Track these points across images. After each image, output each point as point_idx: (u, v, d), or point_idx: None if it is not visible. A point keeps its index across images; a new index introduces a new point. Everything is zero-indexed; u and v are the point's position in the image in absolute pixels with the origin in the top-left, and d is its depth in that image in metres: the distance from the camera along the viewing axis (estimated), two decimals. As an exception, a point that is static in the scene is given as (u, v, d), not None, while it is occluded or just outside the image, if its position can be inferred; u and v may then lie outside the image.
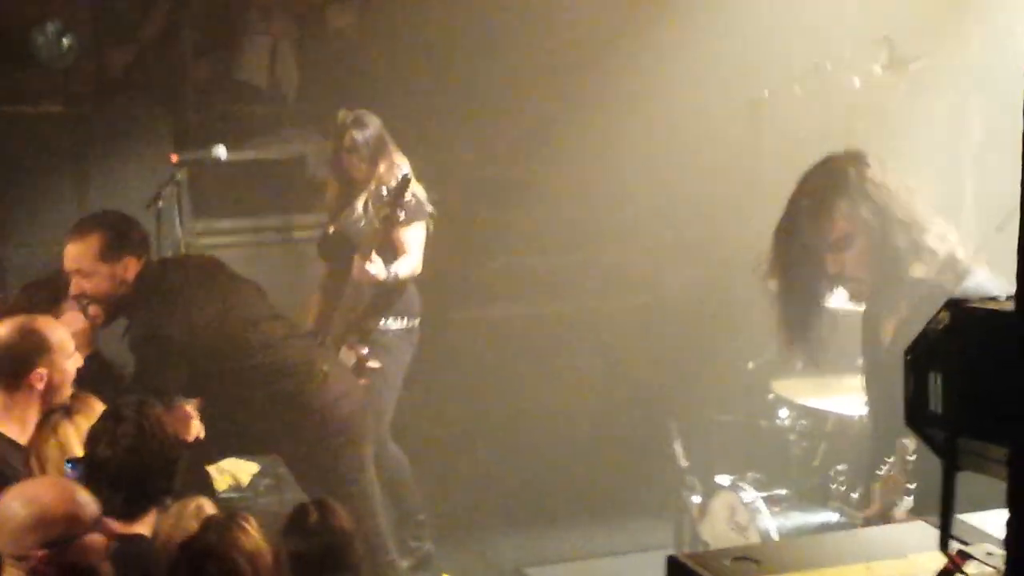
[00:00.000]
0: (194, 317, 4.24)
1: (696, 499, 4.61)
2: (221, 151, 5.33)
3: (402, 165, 5.19)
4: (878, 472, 3.17)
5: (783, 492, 4.43)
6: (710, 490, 4.57)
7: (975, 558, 1.77)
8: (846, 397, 4.24)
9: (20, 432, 3.55)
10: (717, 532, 4.48)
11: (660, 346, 6.61)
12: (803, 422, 4.60)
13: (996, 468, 1.67)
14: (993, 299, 1.78)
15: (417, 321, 5.31)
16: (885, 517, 2.99)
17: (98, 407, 3.60)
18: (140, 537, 3.21)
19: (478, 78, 7.12)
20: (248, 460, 5.34)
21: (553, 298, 7.06)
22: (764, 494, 4.38)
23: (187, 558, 2.92)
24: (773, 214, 3.43)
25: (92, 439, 3.32)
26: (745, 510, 4.33)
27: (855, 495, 3.63)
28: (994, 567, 1.76)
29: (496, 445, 6.23)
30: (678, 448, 4.67)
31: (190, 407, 4.20)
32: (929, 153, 4.71)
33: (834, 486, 4.22)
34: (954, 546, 1.81)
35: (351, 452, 4.52)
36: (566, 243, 7.17)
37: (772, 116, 5.22)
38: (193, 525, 3.12)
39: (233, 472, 5.30)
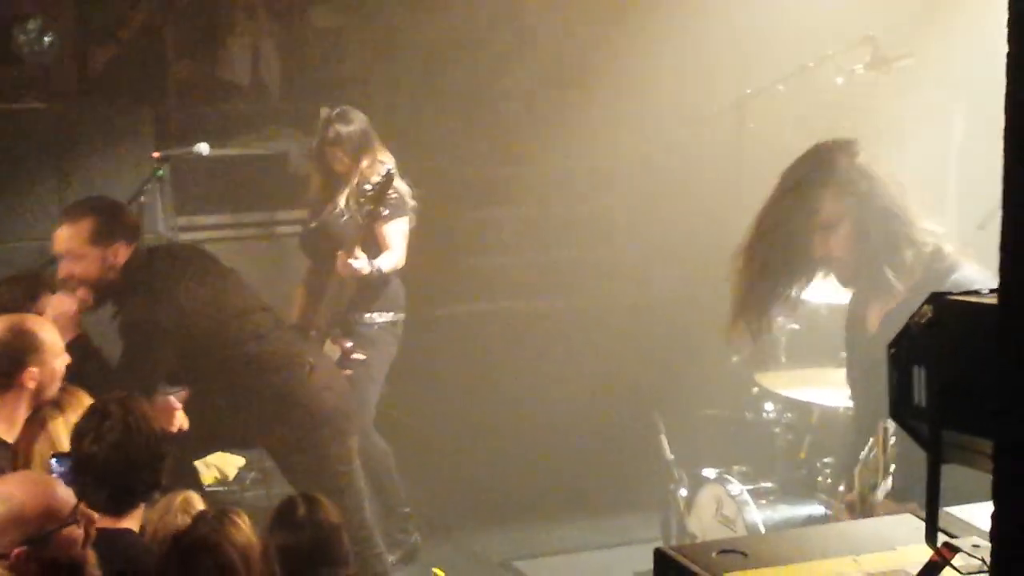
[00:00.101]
0: (184, 304, 4.24)
1: (683, 492, 4.62)
2: (204, 147, 5.31)
3: (386, 161, 5.18)
4: (860, 457, 3.17)
5: (769, 485, 4.44)
6: (697, 483, 4.58)
7: (962, 550, 1.79)
8: (831, 390, 4.25)
9: (8, 430, 3.55)
10: (704, 525, 4.49)
11: (646, 341, 6.63)
12: (788, 415, 4.61)
13: (981, 461, 1.69)
14: (975, 293, 1.80)
15: (402, 315, 5.30)
16: (864, 499, 2.99)
17: (87, 400, 3.60)
18: (128, 531, 3.22)
19: (462, 77, 7.13)
20: (234, 454, 5.34)
21: (540, 294, 7.09)
22: (751, 487, 4.39)
23: (179, 551, 2.92)
24: (758, 211, 3.44)
25: (78, 435, 3.32)
26: (732, 503, 4.34)
27: (841, 488, 3.63)
28: (981, 559, 1.78)
29: (483, 440, 6.24)
30: (664, 442, 4.69)
31: (174, 398, 4.20)
32: (912, 151, 4.74)
33: (820, 478, 4.25)
34: (941, 538, 1.83)
35: (337, 444, 4.53)
36: (553, 240, 7.19)
37: (757, 115, 5.25)
38: (181, 519, 3.12)
39: (219, 466, 5.30)
